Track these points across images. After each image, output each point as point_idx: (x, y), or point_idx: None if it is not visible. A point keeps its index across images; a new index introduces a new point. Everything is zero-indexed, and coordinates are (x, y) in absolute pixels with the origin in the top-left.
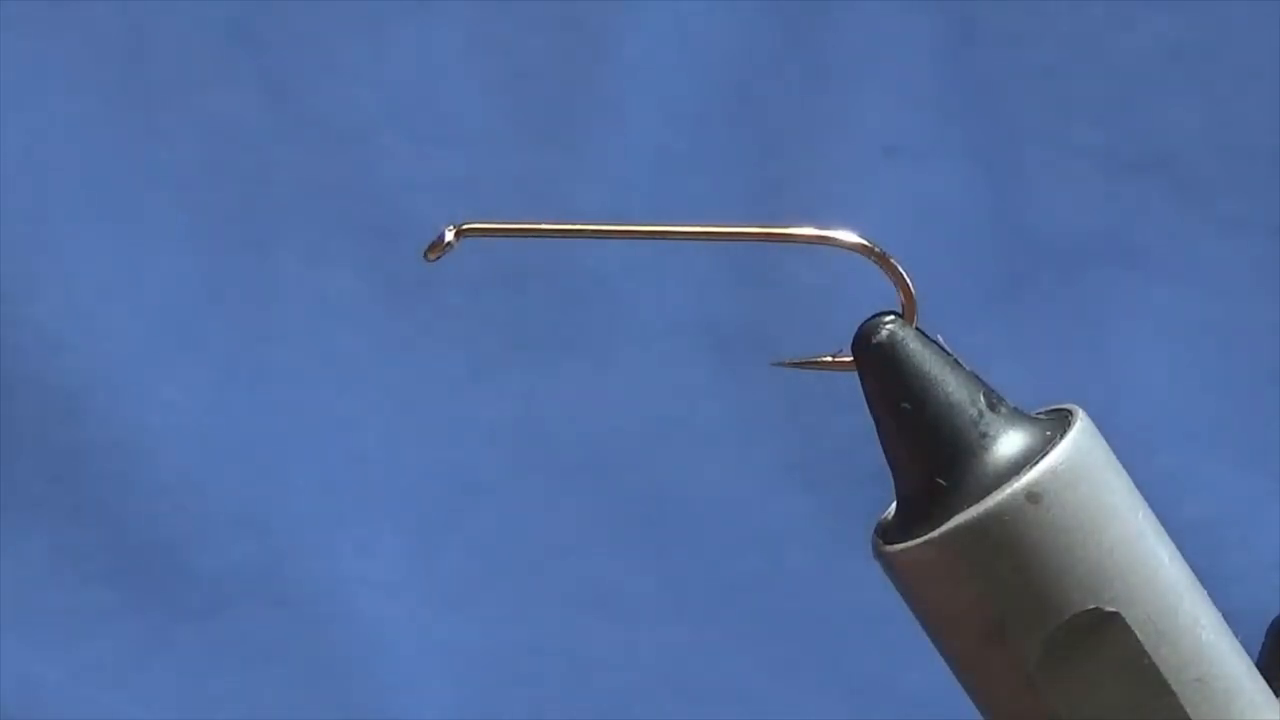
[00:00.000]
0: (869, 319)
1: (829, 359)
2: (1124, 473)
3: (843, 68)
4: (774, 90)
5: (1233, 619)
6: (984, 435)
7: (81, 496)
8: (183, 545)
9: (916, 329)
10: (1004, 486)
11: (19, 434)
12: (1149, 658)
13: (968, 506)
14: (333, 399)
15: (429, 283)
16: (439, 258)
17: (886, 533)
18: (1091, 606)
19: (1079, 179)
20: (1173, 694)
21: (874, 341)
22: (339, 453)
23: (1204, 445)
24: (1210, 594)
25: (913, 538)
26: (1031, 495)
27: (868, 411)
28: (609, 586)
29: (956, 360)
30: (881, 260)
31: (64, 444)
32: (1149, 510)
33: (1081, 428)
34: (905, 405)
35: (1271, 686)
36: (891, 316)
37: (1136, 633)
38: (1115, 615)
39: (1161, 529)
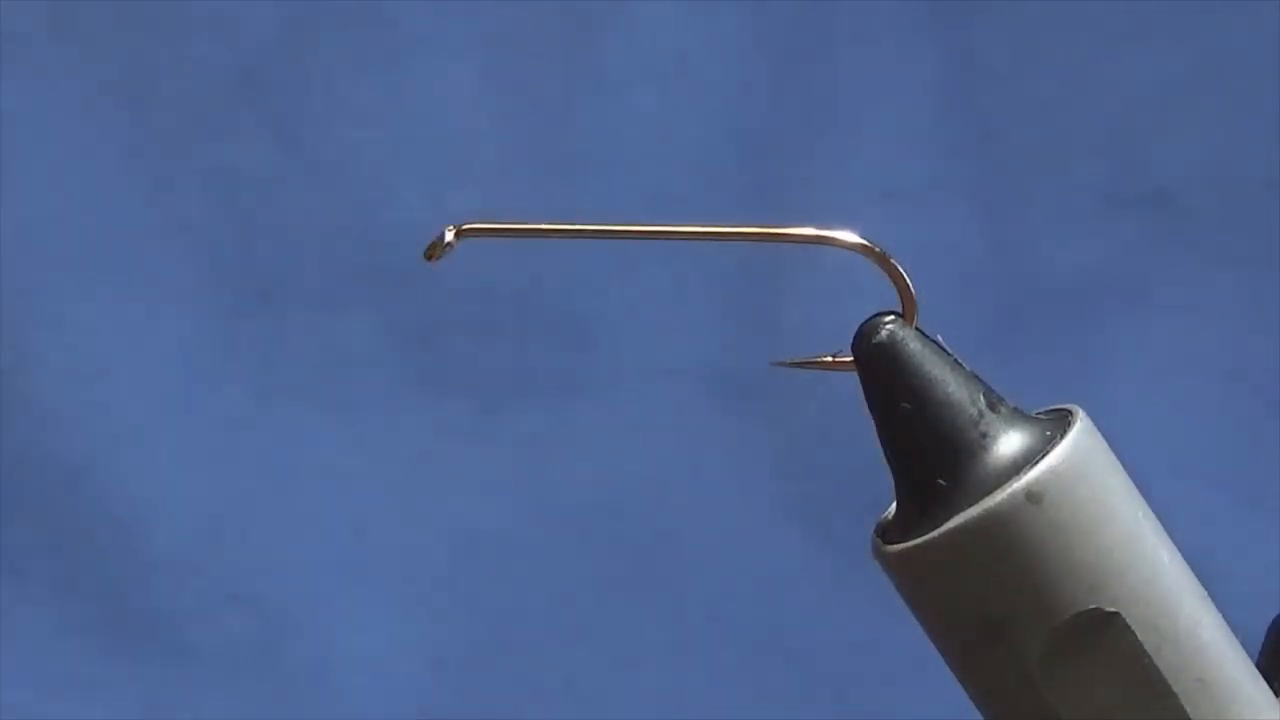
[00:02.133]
0: (869, 319)
1: (829, 359)
2: (1124, 473)
3: (842, 107)
4: (774, 130)
5: (1232, 622)
6: (984, 435)
7: (81, 570)
8: (180, 620)
9: (916, 329)
10: (1004, 486)
11: (19, 507)
12: (1149, 658)
13: (968, 506)
14: (332, 466)
15: (436, 328)
16: (439, 258)
17: (886, 533)
18: (1091, 606)
19: (1079, 216)
20: (1173, 694)
21: (874, 341)
22: (337, 524)
23: (1201, 479)
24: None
25: (913, 538)
26: (1031, 495)
27: (867, 411)
28: (610, 631)
29: (956, 360)
30: (881, 260)
31: (64, 518)
32: (1149, 510)
33: (1081, 428)
34: (905, 405)
35: (1271, 686)
36: (891, 316)
37: (1136, 633)
38: (1115, 615)
39: (1161, 529)
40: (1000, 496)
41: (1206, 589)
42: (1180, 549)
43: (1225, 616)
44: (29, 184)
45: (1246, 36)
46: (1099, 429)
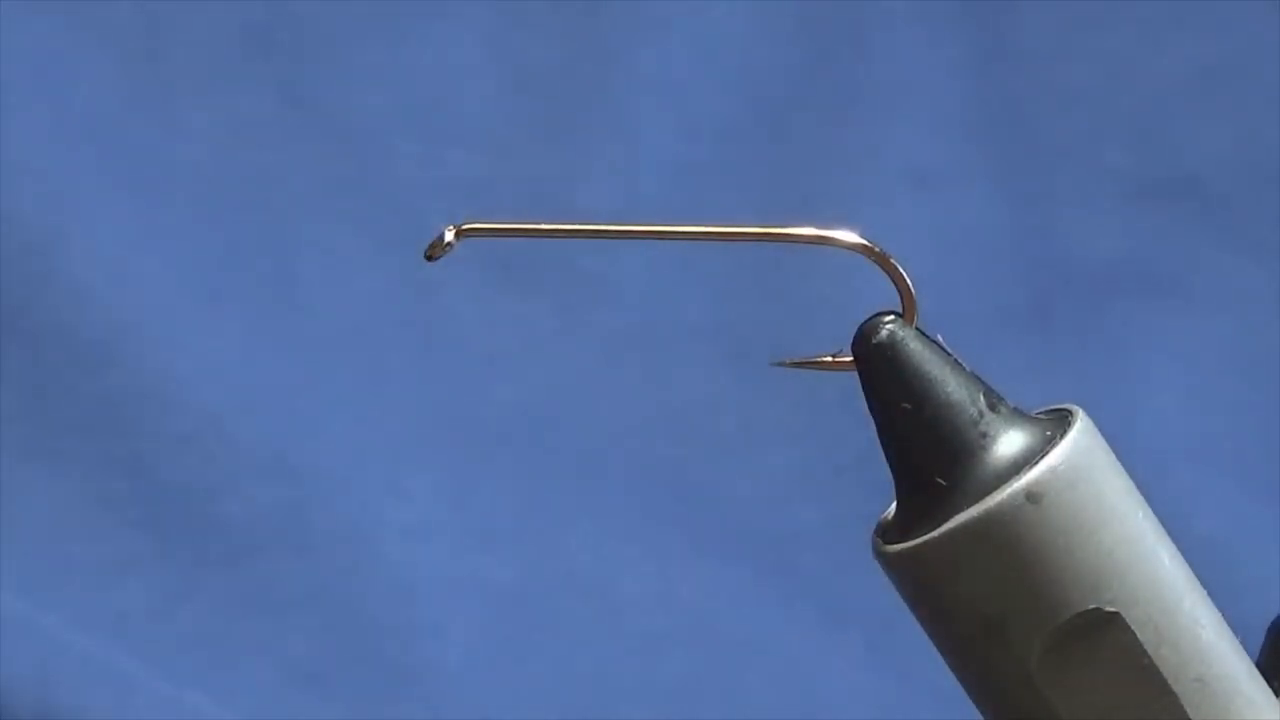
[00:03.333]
0: (869, 319)
1: (829, 359)
2: (1124, 473)
3: (870, 93)
4: (800, 114)
5: (1233, 621)
6: (984, 435)
7: (110, 445)
8: (211, 492)
9: (916, 329)
10: (1004, 486)
11: (48, 384)
12: (1149, 658)
13: (968, 506)
14: (361, 345)
15: (442, 282)
16: (439, 258)
17: (886, 533)
18: (1091, 606)
19: (1106, 205)
20: (1173, 694)
21: (874, 341)
22: (367, 397)
23: (1220, 470)
24: (1218, 607)
25: (913, 537)
26: (1031, 495)
27: (867, 411)
28: (638, 528)
29: (956, 360)
30: (881, 260)
31: (92, 393)
32: (1149, 510)
33: (1081, 427)
34: (905, 405)
35: (1271, 686)
36: (891, 316)
37: (1136, 633)
38: (1115, 615)
39: (1161, 529)
40: (1000, 496)
41: (1225, 578)
42: (1204, 538)
43: (1230, 612)
44: (49, 98)
45: (1278, 24)
46: (1120, 418)
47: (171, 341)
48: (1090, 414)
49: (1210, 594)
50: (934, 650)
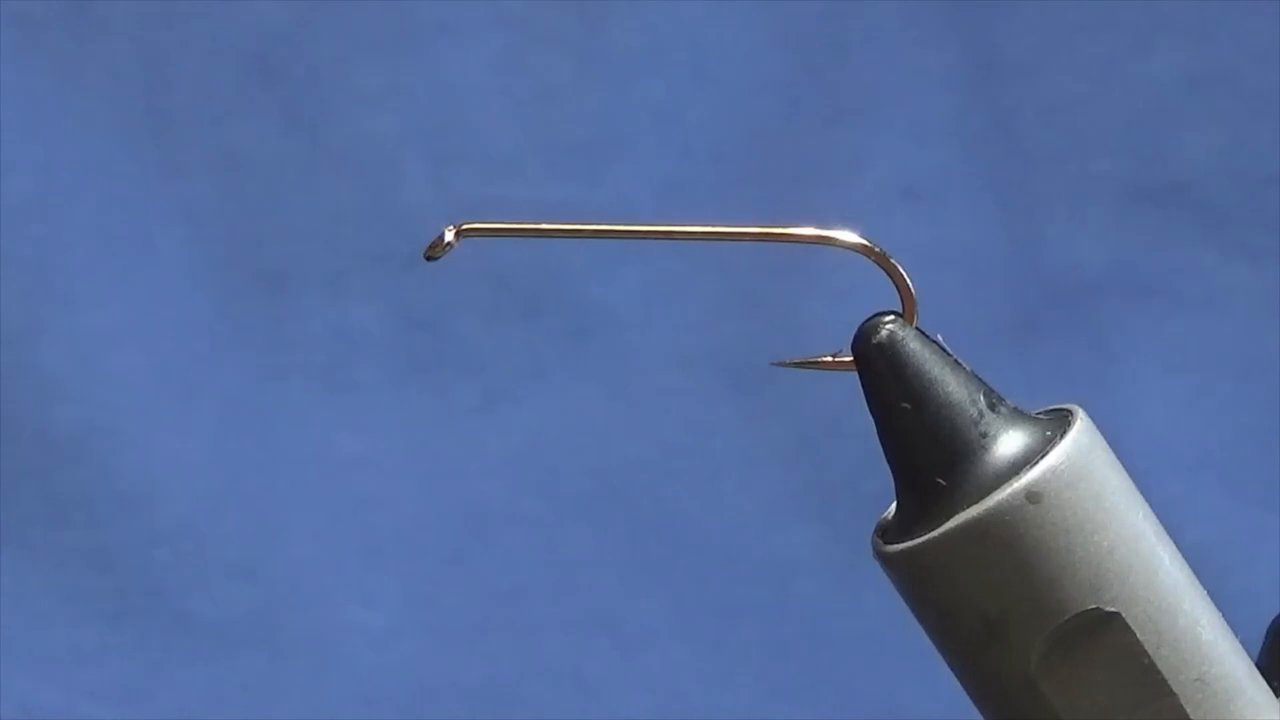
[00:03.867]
0: (869, 319)
1: (829, 359)
2: (1124, 473)
3: (858, 104)
4: (789, 126)
5: (1233, 622)
6: (984, 435)
7: (83, 541)
8: (182, 591)
9: (916, 329)
10: (1004, 486)
11: (22, 478)
12: (1149, 658)
13: (968, 506)
14: (336, 442)
15: (444, 312)
16: (439, 257)
17: (886, 533)
18: (1091, 606)
19: (1094, 212)
20: (1173, 694)
21: (874, 341)
22: (341, 497)
23: (1212, 476)
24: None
25: (913, 537)
26: (1031, 495)
27: (868, 411)
28: (615, 614)
29: (956, 360)
30: (881, 260)
31: (66, 489)
32: (1149, 510)
33: (1081, 427)
34: (905, 405)
35: (1271, 686)
36: (891, 316)
37: (1136, 633)
38: (1115, 615)
39: (1162, 529)
40: (1000, 496)
41: (1217, 585)
42: (1196, 545)
43: (1225, 616)
44: (38, 162)
45: (1266, 31)
46: (1112, 426)
47: (145, 438)
48: (1089, 414)
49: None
50: (934, 650)
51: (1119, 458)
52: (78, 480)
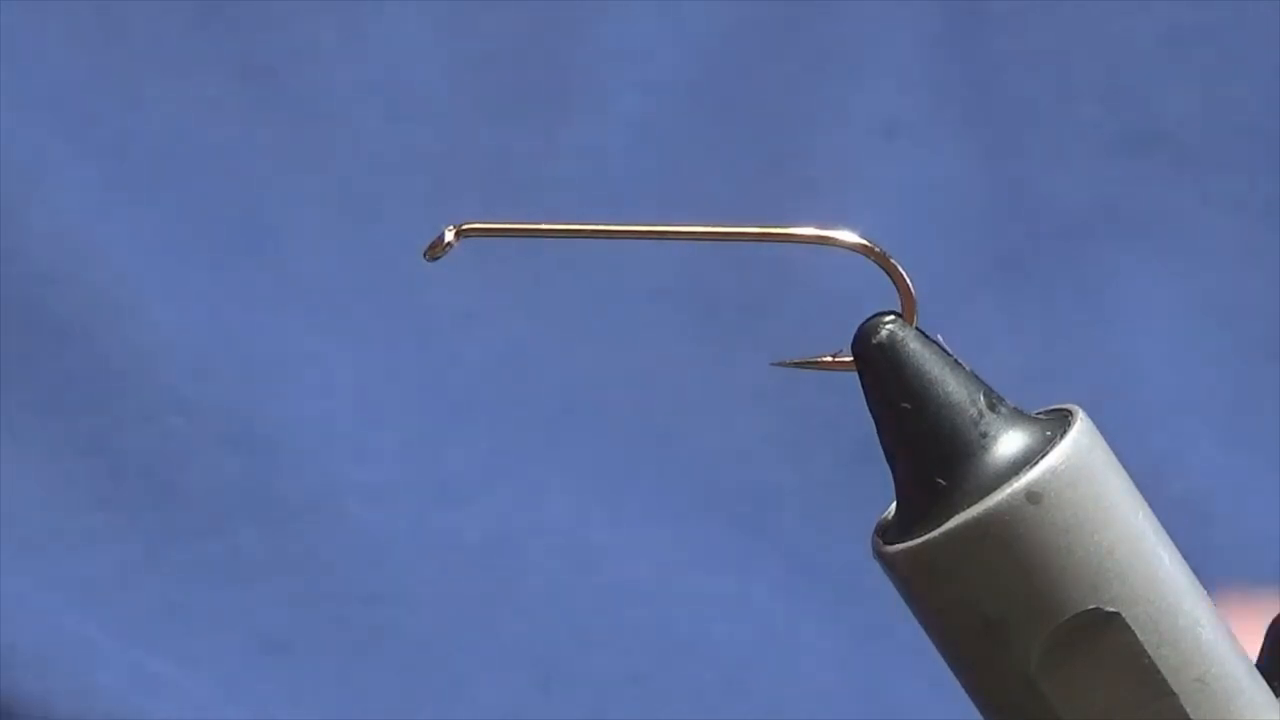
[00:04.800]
0: (869, 319)
1: (829, 359)
2: (1124, 472)
3: (840, 48)
4: (769, 71)
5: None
6: (984, 435)
7: (72, 422)
8: (175, 464)
9: (916, 329)
10: (1004, 486)
11: (7, 362)
12: (1149, 658)
13: (968, 506)
14: (324, 314)
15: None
16: (439, 257)
17: (886, 533)
18: (1091, 606)
19: (1079, 158)
20: (1173, 694)
21: (874, 341)
22: (331, 364)
23: (1199, 423)
24: (1200, 568)
25: (912, 538)
26: (1031, 495)
27: (868, 411)
28: (608, 484)
29: (956, 360)
30: (881, 260)
31: (53, 370)
32: (1149, 510)
33: (1081, 428)
34: (905, 405)
35: (1271, 686)
36: (891, 316)
37: (1136, 633)
38: (1115, 615)
39: (1161, 529)
40: (1000, 496)
41: (1197, 530)
42: (1171, 491)
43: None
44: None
45: None
46: (1099, 365)
47: (131, 316)
48: (1066, 370)
49: (1193, 551)
50: (934, 650)
51: (1101, 401)
52: (63, 365)
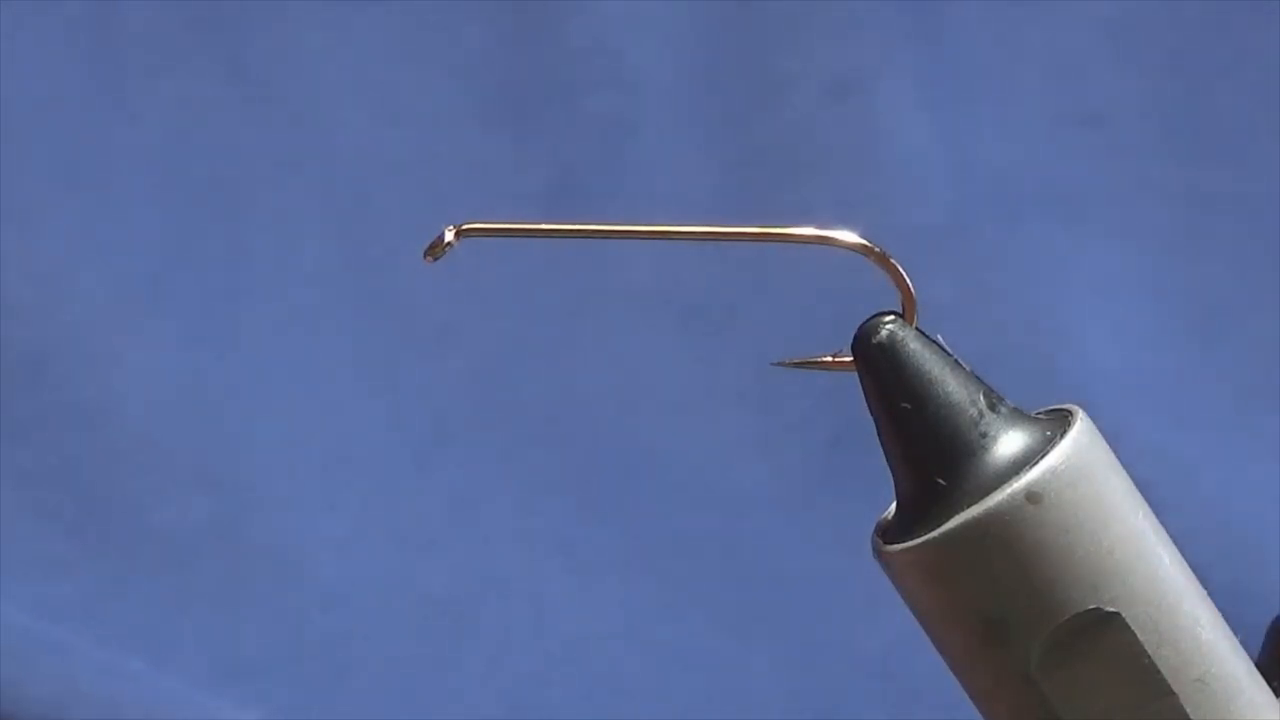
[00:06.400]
0: (869, 319)
1: (829, 359)
2: (1124, 473)
3: (794, 7)
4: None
5: (1233, 622)
6: (984, 435)
7: (42, 455)
8: (143, 505)
9: (916, 329)
10: (1004, 486)
11: None
12: (1149, 658)
13: (968, 506)
14: (295, 359)
15: (394, 252)
16: (439, 258)
17: (886, 533)
18: (1091, 606)
19: (1023, 130)
20: (1173, 694)
21: (874, 341)
22: (301, 411)
23: (1141, 403)
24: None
25: (912, 538)
26: (1031, 495)
27: (868, 411)
28: (572, 537)
29: (956, 360)
30: (881, 260)
31: (26, 407)
32: (1149, 510)
33: (1081, 428)
34: (905, 405)
35: (1271, 686)
36: (891, 316)
37: (1136, 633)
38: (1115, 615)
39: (1161, 529)
40: (1000, 496)
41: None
42: (1126, 457)
43: (1226, 616)
44: None
45: None
46: (1042, 337)
47: (103, 353)
48: (1008, 339)
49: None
50: (935, 651)
51: (1042, 376)
52: (36, 401)
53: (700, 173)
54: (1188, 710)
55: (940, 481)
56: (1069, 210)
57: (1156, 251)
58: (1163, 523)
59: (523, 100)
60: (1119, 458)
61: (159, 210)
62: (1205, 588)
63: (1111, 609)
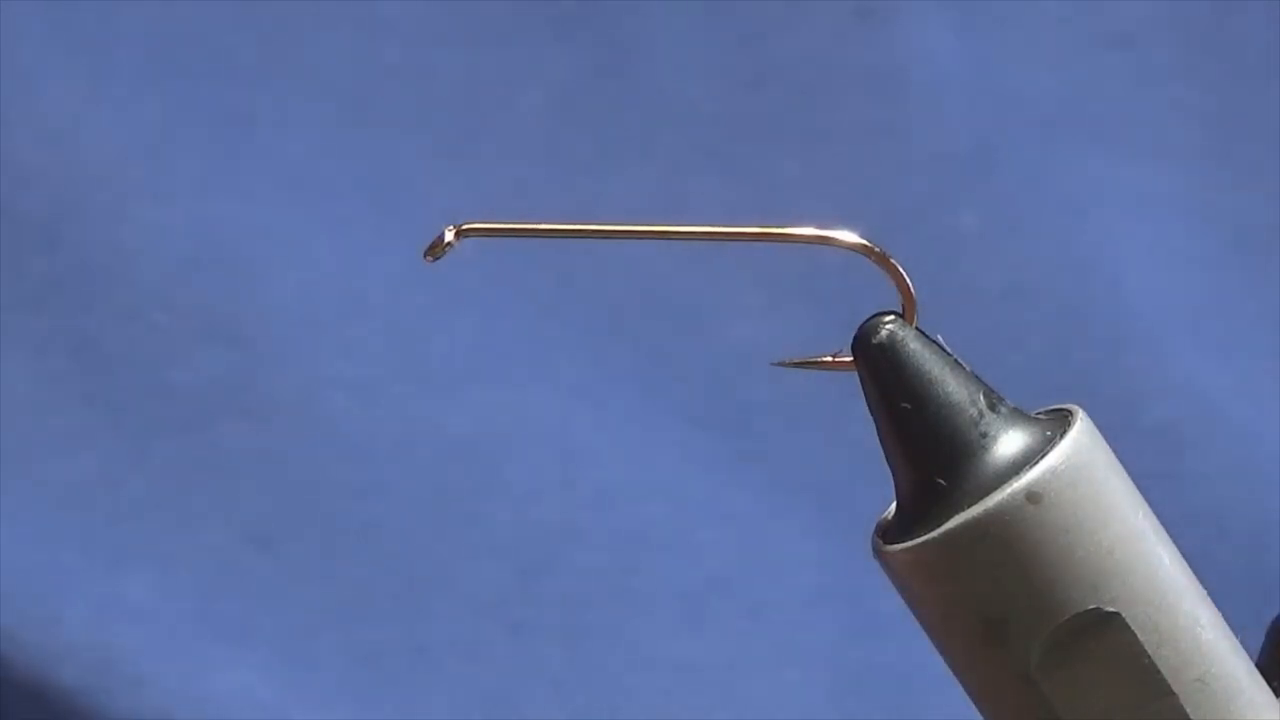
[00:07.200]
0: (869, 319)
1: (829, 359)
2: (1124, 472)
3: None
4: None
5: (1233, 623)
6: (984, 435)
7: (55, 321)
8: (157, 362)
9: (916, 329)
10: (1004, 486)
11: None
12: (1149, 658)
13: (968, 506)
14: (308, 207)
15: (404, 94)
16: (439, 258)
17: (887, 533)
18: (1091, 606)
19: (1049, 50)
20: (1173, 694)
21: (874, 341)
22: (317, 259)
23: (1176, 331)
24: (1174, 493)
25: (913, 538)
26: (1031, 495)
27: (867, 411)
28: (602, 386)
29: (956, 360)
30: (881, 260)
31: (36, 270)
32: (1149, 510)
33: (1081, 428)
34: (905, 405)
35: (1271, 686)
36: (891, 316)
37: (1136, 633)
38: (1115, 615)
39: (1161, 529)
40: (1000, 496)
41: (1171, 455)
42: (1149, 414)
43: (1225, 616)
44: None
45: None
46: (1071, 263)
47: (114, 214)
48: (1039, 271)
49: (1165, 481)
50: (936, 650)
51: (1075, 297)
52: (48, 265)
53: (716, 94)
54: (1188, 710)
55: (940, 481)
56: (1099, 134)
57: (1190, 174)
58: (1188, 462)
59: (532, 10)
60: (1152, 390)
61: (165, 65)
62: (1227, 533)
63: (1111, 609)
